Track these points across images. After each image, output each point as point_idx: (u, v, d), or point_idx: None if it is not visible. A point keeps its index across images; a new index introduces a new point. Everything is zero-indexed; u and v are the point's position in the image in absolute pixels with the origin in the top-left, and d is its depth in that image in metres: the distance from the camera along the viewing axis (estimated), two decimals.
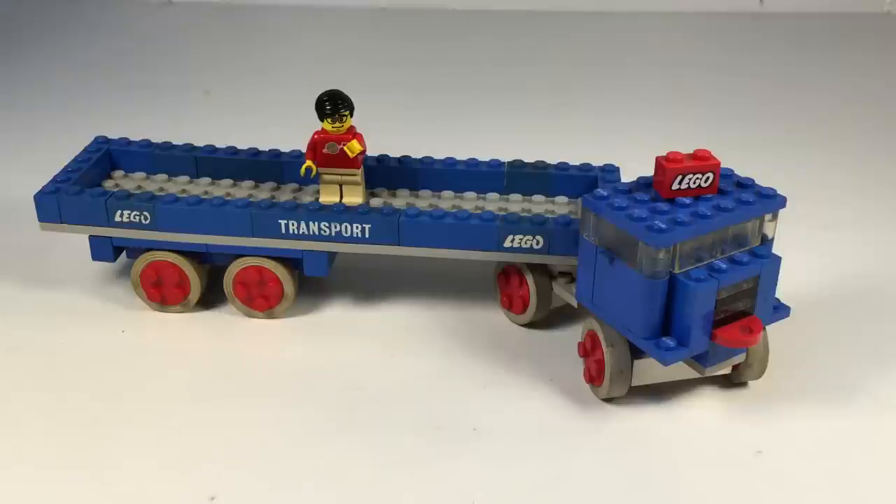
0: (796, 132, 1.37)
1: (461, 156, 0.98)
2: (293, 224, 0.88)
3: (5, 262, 1.01)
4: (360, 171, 0.89)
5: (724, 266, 0.73)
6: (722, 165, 0.76)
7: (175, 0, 1.99)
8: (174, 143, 1.00)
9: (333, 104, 0.86)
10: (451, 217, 0.86)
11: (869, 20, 1.92)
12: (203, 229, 0.89)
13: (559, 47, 1.76)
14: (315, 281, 0.96)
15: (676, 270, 0.73)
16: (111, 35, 1.81)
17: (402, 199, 0.94)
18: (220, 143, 1.01)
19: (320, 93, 0.87)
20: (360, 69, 1.62)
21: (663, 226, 0.71)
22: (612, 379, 0.78)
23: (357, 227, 0.87)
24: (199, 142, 1.01)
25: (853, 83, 1.58)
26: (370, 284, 0.97)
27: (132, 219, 0.89)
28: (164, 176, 0.99)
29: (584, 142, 1.31)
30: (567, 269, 0.88)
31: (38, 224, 0.92)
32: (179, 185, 0.97)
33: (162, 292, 0.92)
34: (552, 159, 0.98)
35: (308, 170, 0.88)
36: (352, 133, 0.87)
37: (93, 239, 0.92)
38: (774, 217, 0.77)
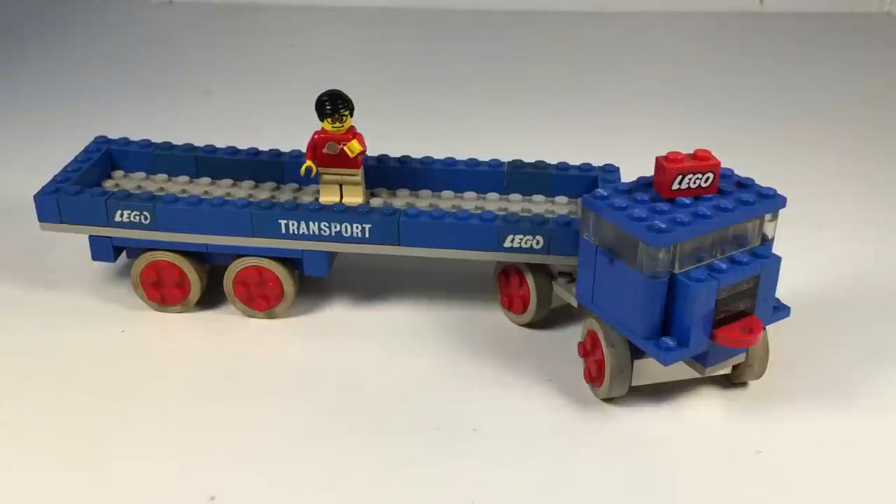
0: (796, 132, 1.37)
1: (461, 156, 0.98)
2: (293, 224, 0.88)
3: (5, 262, 1.01)
4: (360, 171, 0.89)
5: (724, 266, 0.73)
6: (722, 165, 0.76)
7: (175, 0, 1.99)
8: (174, 143, 1.00)
9: (333, 104, 0.86)
10: (451, 217, 0.86)
11: (869, 20, 1.92)
12: (203, 229, 0.89)
13: (559, 47, 1.76)
14: (315, 281, 0.96)
15: (676, 270, 0.73)
16: (111, 35, 1.81)
17: (402, 199, 0.94)
18: (220, 143, 1.01)
19: (320, 93, 0.87)
20: (360, 69, 1.62)
21: (663, 226, 0.71)
22: (612, 379, 0.78)
23: (357, 227, 0.87)
24: (199, 142, 1.01)
25: (853, 83, 1.58)
26: (370, 284, 0.97)
27: (132, 219, 0.89)
28: (164, 176, 0.99)
29: (584, 142, 1.31)
30: (567, 269, 0.88)
31: (38, 224, 0.92)
32: (179, 185, 0.97)
33: (162, 292, 0.92)
34: (552, 159, 0.98)
35: (308, 170, 0.88)
36: (352, 133, 0.87)
37: (93, 239, 0.92)
38: (774, 217, 0.77)
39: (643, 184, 0.78)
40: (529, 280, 0.88)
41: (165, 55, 1.71)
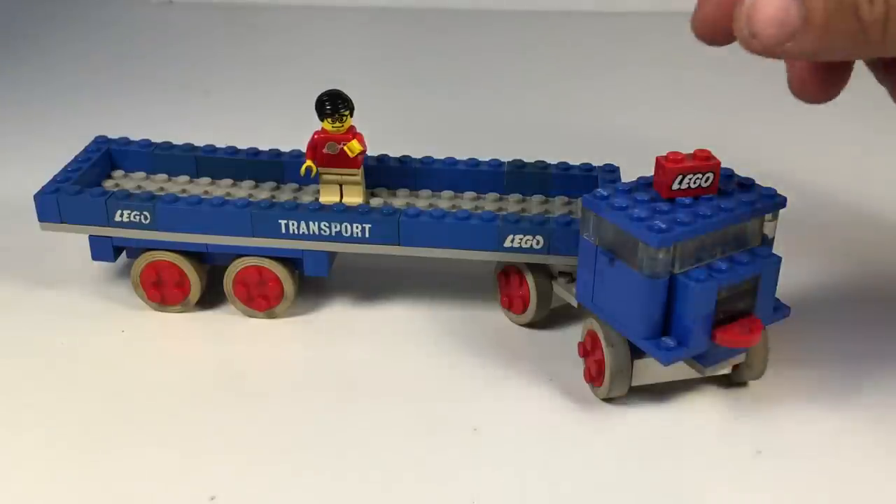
0: (796, 132, 1.37)
1: (461, 156, 0.98)
2: (293, 224, 0.88)
3: (5, 262, 1.01)
4: (360, 171, 0.89)
5: (724, 266, 0.73)
6: (722, 165, 0.76)
7: (175, 0, 1.99)
8: (174, 143, 1.00)
9: (333, 104, 0.86)
10: (451, 217, 0.86)
11: None
12: (203, 229, 0.89)
13: (559, 47, 1.76)
14: (315, 281, 0.96)
15: (676, 270, 0.73)
16: (111, 35, 1.81)
17: (402, 199, 0.94)
18: (220, 143, 1.01)
19: (320, 93, 0.87)
20: (360, 69, 1.62)
21: (663, 226, 0.71)
22: (612, 379, 0.78)
23: (357, 227, 0.87)
24: (199, 142, 1.01)
25: (852, 83, 1.58)
26: (370, 284, 0.97)
27: (132, 219, 0.89)
28: (164, 176, 0.99)
29: (584, 142, 1.31)
30: (567, 269, 0.88)
31: (38, 224, 0.92)
32: (179, 185, 0.97)
33: (162, 292, 0.92)
34: (552, 159, 0.98)
35: (308, 170, 0.88)
36: (352, 133, 0.88)
37: (93, 239, 0.92)
38: (774, 217, 0.77)
39: (643, 184, 0.78)
40: (529, 280, 0.88)
41: (165, 55, 1.71)
